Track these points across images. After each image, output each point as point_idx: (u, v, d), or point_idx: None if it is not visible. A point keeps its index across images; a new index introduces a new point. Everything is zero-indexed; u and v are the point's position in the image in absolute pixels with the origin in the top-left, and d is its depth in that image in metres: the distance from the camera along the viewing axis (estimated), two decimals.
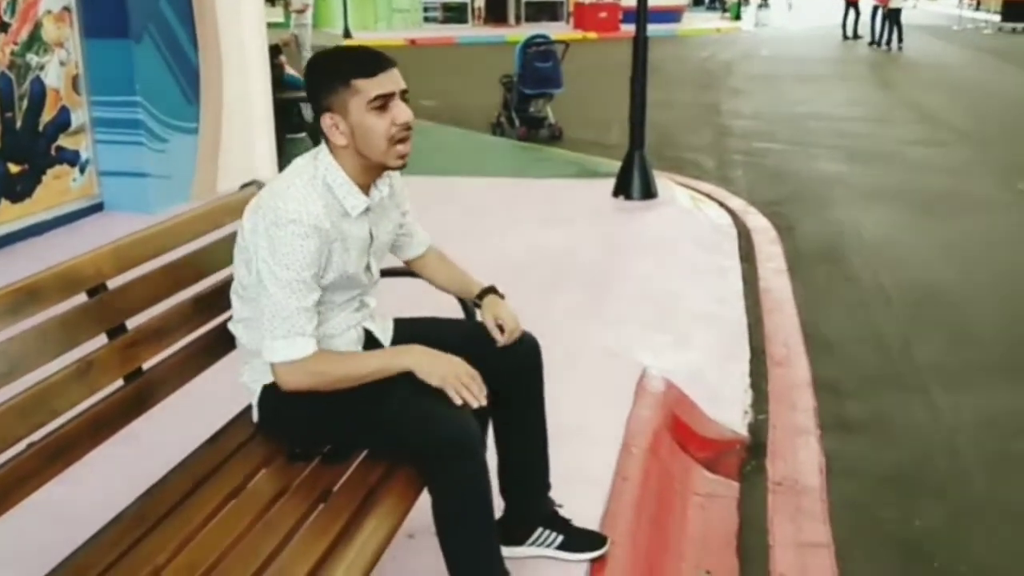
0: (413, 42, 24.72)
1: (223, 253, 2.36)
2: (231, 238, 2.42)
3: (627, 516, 2.81)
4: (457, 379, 2.02)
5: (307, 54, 14.99)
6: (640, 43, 6.88)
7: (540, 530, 2.51)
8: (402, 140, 2.07)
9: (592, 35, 25.22)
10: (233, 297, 2.20)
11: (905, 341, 4.48)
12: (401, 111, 2.05)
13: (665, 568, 2.77)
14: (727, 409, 3.79)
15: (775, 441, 3.55)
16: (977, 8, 38.39)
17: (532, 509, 2.50)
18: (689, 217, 6.68)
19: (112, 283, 2.00)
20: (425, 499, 2.01)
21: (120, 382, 1.97)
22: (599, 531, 2.61)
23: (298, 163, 2.13)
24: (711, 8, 40.12)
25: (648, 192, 6.86)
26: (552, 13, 31.11)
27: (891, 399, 3.88)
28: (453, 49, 23.47)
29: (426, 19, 30.18)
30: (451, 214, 5.98)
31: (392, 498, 1.98)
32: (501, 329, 2.30)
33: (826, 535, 2.92)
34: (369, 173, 2.14)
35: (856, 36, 23.30)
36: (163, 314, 2.13)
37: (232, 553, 1.78)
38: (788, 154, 9.26)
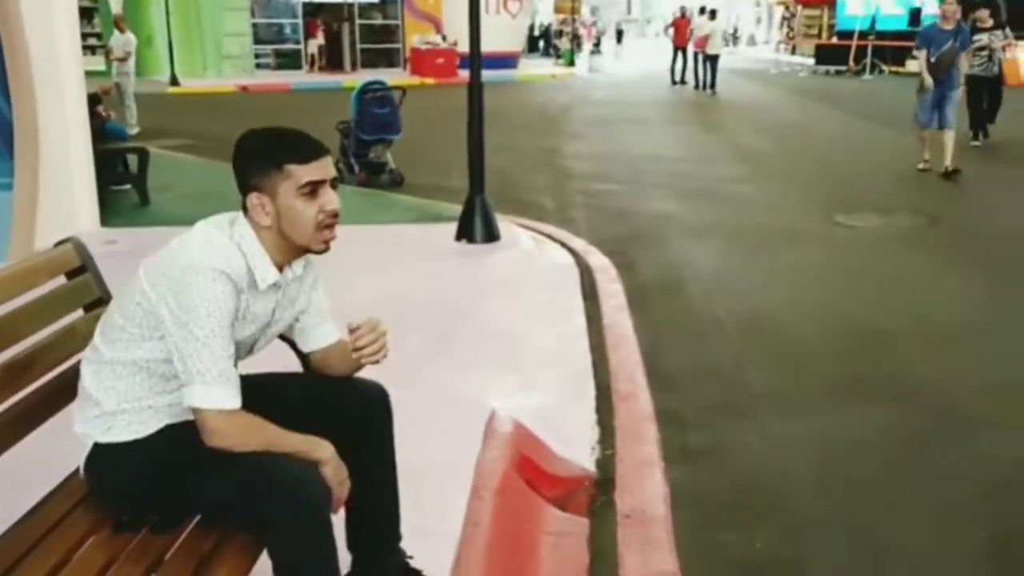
0: (245, 88, 24.29)
1: (37, 315, 2.25)
2: (47, 300, 2.31)
3: (479, 563, 2.80)
4: (344, 490, 2.07)
5: (130, 103, 14.50)
6: (475, 89, 6.99)
7: None
8: (329, 226, 2.06)
9: (430, 80, 25.44)
10: (97, 337, 2.10)
11: (740, 369, 4.67)
12: (330, 199, 2.06)
13: None
14: (575, 446, 3.82)
15: (622, 475, 3.60)
16: (793, 52, 41.07)
17: (381, 563, 2.44)
18: (532, 258, 6.78)
19: None
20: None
21: None
22: None
23: (209, 226, 2.07)
24: (545, 55, 41.35)
25: (490, 235, 6.94)
26: (389, 59, 31.20)
27: (729, 428, 4.02)
28: (287, 96, 23.15)
29: (258, 65, 29.67)
30: None
31: (226, 568, 1.89)
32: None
33: (673, 564, 2.98)
34: (287, 254, 2.11)
35: (683, 81, 24.39)
36: None
37: None
38: (625, 194, 9.56)
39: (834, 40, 32.32)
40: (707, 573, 2.93)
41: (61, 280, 2.43)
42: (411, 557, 2.53)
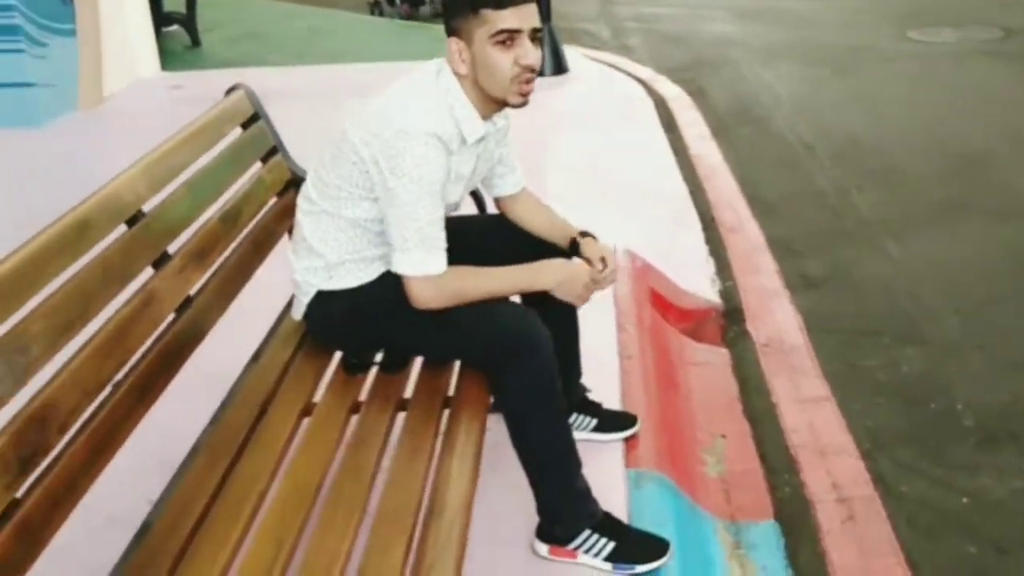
0: None
1: (231, 165, 2.25)
2: (234, 149, 2.31)
3: (640, 393, 2.87)
4: (590, 293, 2.10)
5: None
6: None
7: (575, 415, 2.56)
8: (526, 80, 1.98)
9: None
10: (311, 189, 2.10)
11: (843, 193, 4.65)
12: (526, 51, 1.95)
13: (684, 438, 2.86)
14: (694, 279, 3.87)
15: (749, 305, 3.65)
16: None
17: (569, 396, 2.52)
18: (604, 89, 6.64)
19: (146, 206, 1.87)
20: None
21: (172, 315, 1.85)
22: (624, 411, 2.67)
23: (417, 79, 2.02)
24: None
25: (560, 67, 6.79)
26: None
27: (846, 254, 4.04)
28: None
29: None
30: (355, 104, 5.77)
31: (469, 403, 1.97)
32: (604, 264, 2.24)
33: (824, 389, 3.06)
34: (488, 105, 2.04)
35: None
36: (199, 235, 2.01)
37: (338, 469, 1.75)
38: (678, 18, 9.25)
39: None
40: (859, 396, 3.01)
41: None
42: (589, 391, 2.61)
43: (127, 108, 6.32)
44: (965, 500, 2.54)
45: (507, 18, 1.92)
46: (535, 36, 1.98)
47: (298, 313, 2.18)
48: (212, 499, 1.68)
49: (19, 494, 1.31)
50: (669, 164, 5.15)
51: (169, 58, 7.54)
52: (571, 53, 7.10)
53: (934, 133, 5.46)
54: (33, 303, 1.46)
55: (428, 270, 1.94)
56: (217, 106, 2.35)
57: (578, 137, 5.51)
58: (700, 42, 8.13)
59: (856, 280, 3.81)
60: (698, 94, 6.50)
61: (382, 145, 1.92)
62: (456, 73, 2.01)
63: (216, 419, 1.92)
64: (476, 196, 2.62)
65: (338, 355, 2.19)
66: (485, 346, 1.98)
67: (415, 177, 1.90)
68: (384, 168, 1.92)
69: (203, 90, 6.64)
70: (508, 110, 2.14)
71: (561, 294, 2.06)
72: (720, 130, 5.70)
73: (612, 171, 4.91)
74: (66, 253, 1.56)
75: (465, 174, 2.11)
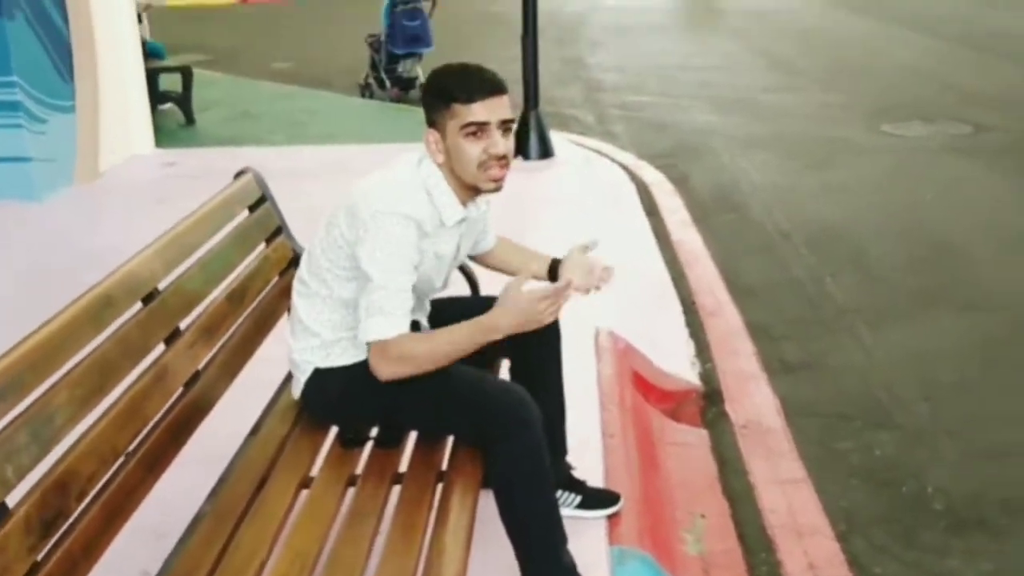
0: (244, 0, 23.73)
1: (239, 246, 2.36)
2: (242, 229, 2.42)
3: (623, 471, 2.95)
4: (554, 305, 2.08)
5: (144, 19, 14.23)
6: (529, 7, 6.95)
7: (560, 492, 2.63)
8: (494, 168, 2.10)
9: None
10: (304, 271, 2.23)
11: (819, 282, 4.81)
12: (495, 142, 2.08)
13: (665, 516, 2.94)
14: (675, 361, 3.98)
15: (728, 387, 3.77)
16: None
17: (555, 472, 2.59)
18: (588, 174, 6.84)
19: (161, 284, 1.98)
20: None
21: (181, 389, 1.95)
22: (607, 488, 2.75)
23: (398, 166, 2.16)
24: None
25: (546, 152, 6.99)
26: None
27: (821, 340, 4.18)
28: (289, 8, 22.67)
29: None
30: (345, 184, 5.93)
31: (462, 476, 2.05)
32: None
33: (801, 471, 3.17)
34: (466, 192, 2.18)
35: None
36: (208, 312, 2.11)
37: (335, 540, 1.82)
38: (661, 106, 9.55)
39: None
40: (835, 478, 3.11)
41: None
42: (574, 468, 2.70)
43: (122, 183, 6.46)
44: None
45: (476, 111, 2.07)
46: (506, 127, 2.11)
47: (296, 391, 2.28)
48: (212, 570, 1.74)
49: (39, 557, 1.39)
50: (651, 248, 5.31)
51: (164, 136, 7.72)
52: (557, 138, 7.31)
53: (906, 225, 5.66)
54: (57, 375, 1.55)
55: (381, 334, 2.02)
56: (227, 189, 2.47)
57: (563, 219, 5.66)
58: (681, 131, 8.40)
59: (831, 366, 3.94)
60: (679, 181, 6.70)
61: (360, 225, 2.05)
62: (435, 162, 2.15)
63: (215, 492, 2.00)
64: (469, 278, 2.76)
65: (334, 430, 2.27)
66: (477, 421, 2.08)
67: (388, 253, 2.02)
68: (363, 248, 2.04)
69: (196, 167, 6.83)
70: (490, 196, 2.29)
71: (530, 327, 2.09)
72: (701, 217, 5.89)
73: (596, 254, 5.04)
74: (89, 327, 1.66)
75: (447, 254, 2.24)
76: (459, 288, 2.64)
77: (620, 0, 22.03)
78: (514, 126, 2.20)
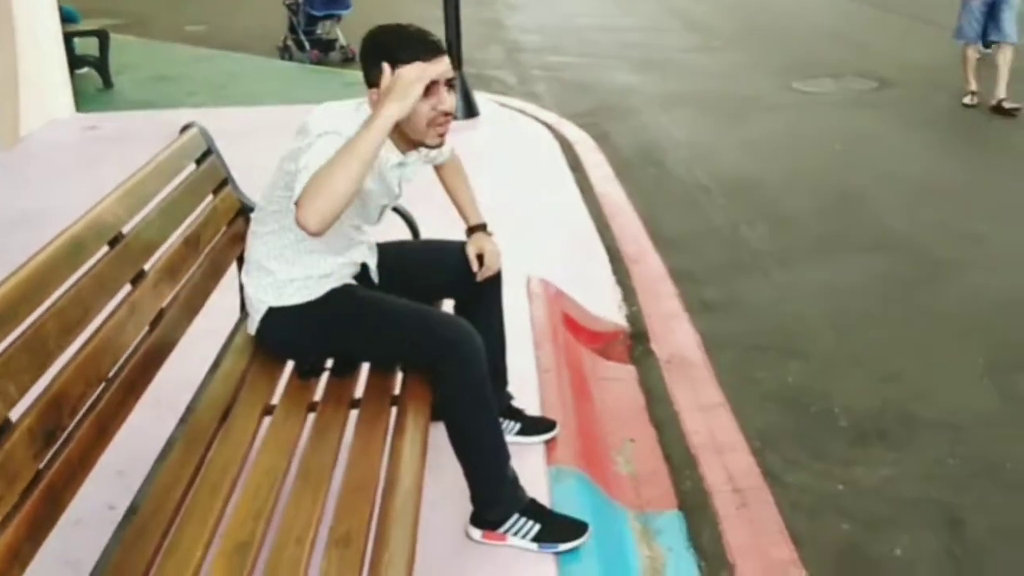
0: None
1: (191, 195, 2.49)
2: (192, 180, 2.55)
3: (558, 402, 3.17)
4: (415, 84, 2.08)
5: None
6: None
7: (501, 420, 2.83)
8: (441, 123, 2.22)
9: None
10: (260, 213, 2.36)
11: (735, 229, 5.09)
12: (443, 98, 2.19)
13: (597, 441, 3.17)
14: (603, 305, 4.21)
15: (653, 327, 4.01)
16: None
17: (496, 401, 2.80)
18: (513, 133, 7.02)
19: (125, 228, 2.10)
20: None
21: (148, 327, 2.08)
22: (544, 416, 2.97)
23: (335, 106, 2.24)
24: None
25: (471, 111, 7.14)
26: None
27: (739, 281, 4.45)
28: None
29: None
30: (275, 143, 6.00)
31: (414, 401, 2.24)
32: (481, 261, 2.56)
33: (720, 396, 3.43)
34: (407, 143, 2.29)
35: None
36: (167, 255, 2.24)
37: (302, 454, 1.99)
38: (582, 67, 9.76)
39: None
40: (750, 402, 3.38)
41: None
42: (513, 398, 2.91)
43: (43, 147, 6.41)
44: (840, 487, 2.91)
45: (403, 72, 2.12)
46: (450, 84, 2.23)
47: (252, 328, 2.42)
48: (190, 484, 1.90)
49: (42, 465, 1.53)
50: (576, 202, 5.52)
51: (83, 100, 7.63)
52: (481, 98, 7.46)
53: (815, 175, 5.98)
54: (44, 306, 1.68)
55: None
56: (175, 142, 2.59)
57: (491, 177, 5.81)
58: (602, 90, 8.61)
59: (747, 303, 4.22)
60: (602, 138, 6.92)
61: (305, 141, 2.10)
62: None
63: (184, 420, 2.14)
64: (410, 223, 2.93)
65: (291, 363, 2.43)
66: (424, 350, 2.26)
67: (322, 152, 2.01)
68: (301, 157, 2.05)
69: (117, 130, 6.80)
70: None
71: (408, 99, 2.06)
72: (623, 171, 6.11)
73: (524, 208, 5.23)
74: (65, 267, 1.79)
75: (378, 192, 2.34)
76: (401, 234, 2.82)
77: None
78: (455, 82, 2.33)
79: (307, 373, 2.36)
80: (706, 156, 6.45)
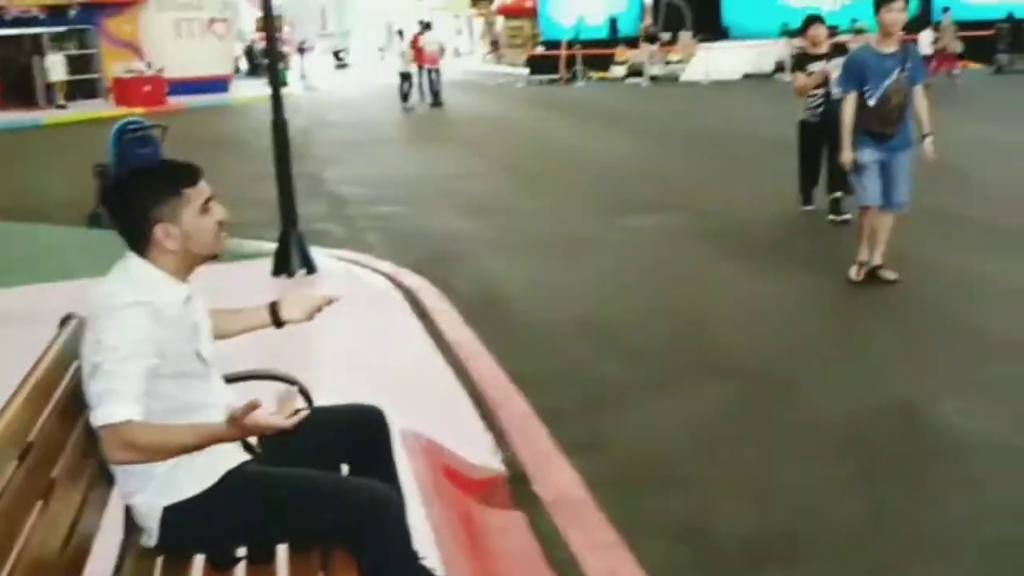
0: None
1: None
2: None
3: (460, 558, 3.14)
4: (266, 429, 2.14)
5: None
6: (279, 124, 7.15)
7: None
8: (221, 231, 2.37)
9: (139, 110, 23.84)
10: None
11: (591, 365, 5.26)
12: (219, 209, 2.37)
13: None
14: (477, 451, 4.21)
15: (532, 470, 4.04)
16: (499, 62, 43.02)
17: None
18: (354, 285, 7.01)
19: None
20: None
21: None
22: None
23: (114, 275, 2.29)
24: (252, 75, 40.14)
25: (309, 267, 7.12)
26: (89, 90, 29.19)
27: (607, 416, 4.57)
28: None
29: None
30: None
31: (343, 570, 2.16)
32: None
33: (613, 535, 3.47)
34: (189, 269, 2.38)
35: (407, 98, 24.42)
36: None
37: None
38: (410, 215, 9.97)
39: (540, 50, 34.37)
40: (644, 538, 3.44)
41: None
42: (424, 557, 2.85)
43: None
44: None
45: (203, 190, 2.35)
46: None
47: (150, 540, 2.28)
48: None
49: None
50: (431, 350, 5.55)
51: None
52: (315, 253, 7.45)
53: (656, 306, 6.31)
54: None
55: (109, 418, 2.07)
56: (60, 335, 2.44)
57: (339, 331, 5.77)
58: (434, 237, 8.80)
59: (620, 438, 4.33)
60: (443, 284, 7.01)
61: (94, 336, 2.16)
62: (162, 251, 2.30)
63: None
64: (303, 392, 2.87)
65: (199, 558, 2.30)
66: (343, 520, 2.22)
67: (115, 338, 2.12)
68: (96, 341, 2.14)
69: None
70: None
71: (255, 433, 2.18)
72: (472, 316, 6.20)
73: (380, 362, 5.22)
74: None
75: (191, 329, 2.36)
76: None
77: (344, 115, 22.72)
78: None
79: (220, 564, 2.23)
80: (549, 296, 6.68)
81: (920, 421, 4.33)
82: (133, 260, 2.31)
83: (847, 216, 7.98)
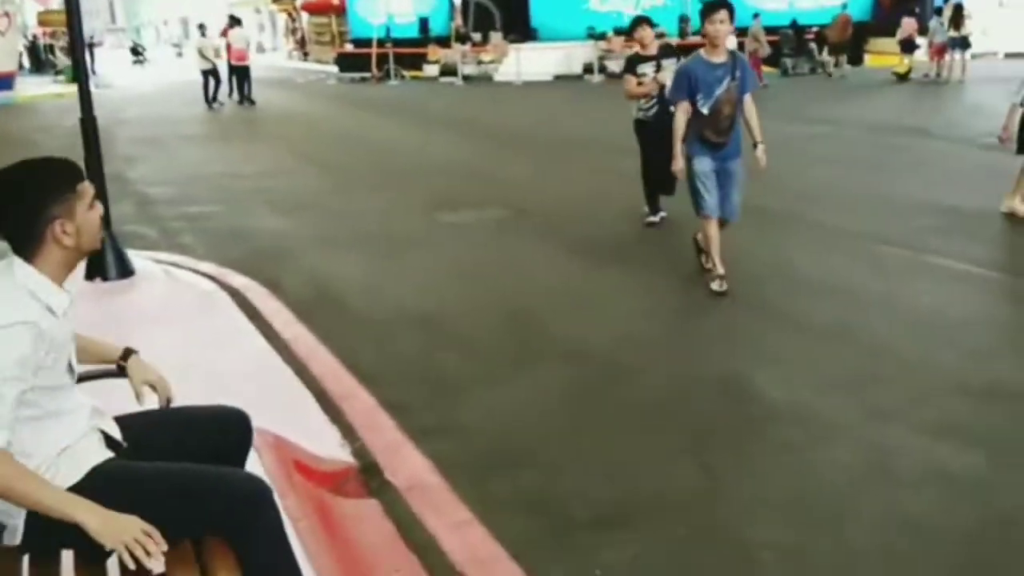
0: None
1: None
2: None
3: (321, 550, 3.18)
4: (131, 540, 2.06)
5: None
6: (89, 121, 6.86)
7: None
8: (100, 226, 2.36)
9: None
10: None
11: (430, 356, 5.36)
12: (98, 204, 2.37)
13: None
14: (323, 445, 4.24)
15: (382, 459, 4.10)
16: (305, 59, 42.28)
17: None
18: (176, 288, 6.83)
19: None
20: None
21: None
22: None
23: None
24: (37, 72, 37.90)
25: (125, 271, 6.85)
26: None
27: (451, 404, 4.70)
28: None
29: None
30: None
31: (221, 565, 2.17)
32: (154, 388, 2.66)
33: (468, 514, 3.60)
34: (70, 269, 2.33)
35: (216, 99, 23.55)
36: None
37: None
38: (225, 214, 9.72)
39: (349, 48, 34.00)
40: (498, 514, 3.59)
41: None
42: None
43: None
44: (598, 572, 3.21)
45: (88, 185, 2.35)
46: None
47: (14, 538, 2.21)
48: None
49: None
50: (266, 349, 5.48)
51: None
52: (129, 255, 7.18)
53: (485, 297, 6.49)
54: None
55: None
56: None
57: (165, 336, 5.59)
58: (254, 236, 8.64)
59: (466, 424, 4.46)
60: (270, 283, 6.91)
61: None
62: (53, 251, 2.26)
63: None
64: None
65: (68, 554, 2.24)
66: (219, 509, 2.25)
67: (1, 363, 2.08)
68: None
69: None
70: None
71: (93, 535, 2.07)
72: (304, 314, 6.15)
73: (213, 364, 5.12)
74: None
75: (67, 339, 2.35)
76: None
77: (141, 111, 21.72)
78: None
79: (94, 557, 2.19)
80: (380, 291, 6.73)
81: (739, 392, 4.71)
82: (17, 266, 2.22)
83: (663, 214, 8.40)
